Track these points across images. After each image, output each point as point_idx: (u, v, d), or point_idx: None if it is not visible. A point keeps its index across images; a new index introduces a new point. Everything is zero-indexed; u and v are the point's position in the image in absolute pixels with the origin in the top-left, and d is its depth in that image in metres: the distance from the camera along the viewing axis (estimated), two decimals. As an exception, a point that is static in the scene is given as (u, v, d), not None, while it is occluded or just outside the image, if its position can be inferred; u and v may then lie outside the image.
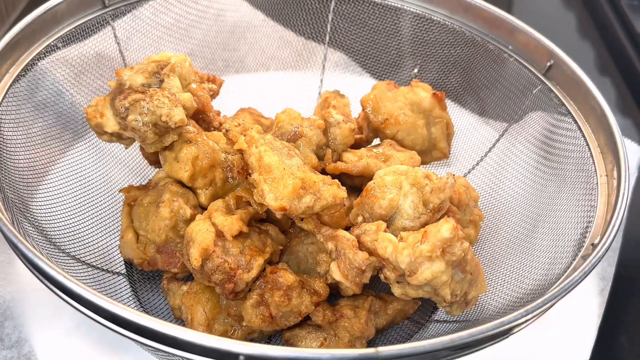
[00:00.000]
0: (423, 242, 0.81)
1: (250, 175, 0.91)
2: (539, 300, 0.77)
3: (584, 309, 1.09)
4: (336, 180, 0.92)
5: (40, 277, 0.76)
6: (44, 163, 1.09)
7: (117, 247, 1.08)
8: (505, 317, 0.74)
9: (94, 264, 1.05)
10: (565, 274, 0.87)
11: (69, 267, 0.98)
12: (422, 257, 0.81)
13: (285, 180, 0.88)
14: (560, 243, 1.01)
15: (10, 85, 1.02)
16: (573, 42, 1.84)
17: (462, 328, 0.99)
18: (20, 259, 0.78)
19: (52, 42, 1.10)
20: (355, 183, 1.08)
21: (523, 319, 0.75)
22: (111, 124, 0.95)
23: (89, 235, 1.08)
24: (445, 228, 0.80)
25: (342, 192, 0.90)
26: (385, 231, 0.89)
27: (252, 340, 1.00)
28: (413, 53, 1.41)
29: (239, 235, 0.92)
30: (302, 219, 0.93)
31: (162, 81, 0.96)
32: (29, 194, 1.02)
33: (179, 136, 0.97)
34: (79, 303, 0.73)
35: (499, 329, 0.73)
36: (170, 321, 1.03)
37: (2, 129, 1.00)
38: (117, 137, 0.99)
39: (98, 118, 0.95)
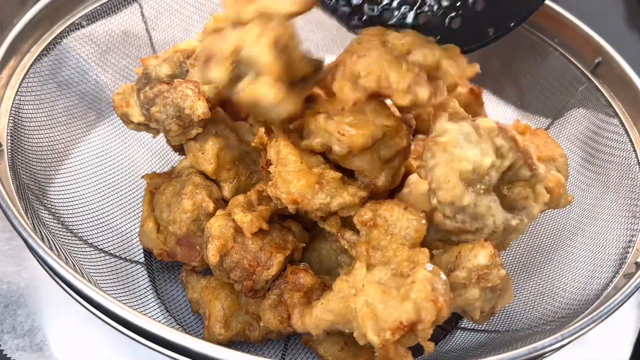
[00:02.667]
0: (457, 267, 0.76)
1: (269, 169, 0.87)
2: (576, 325, 0.72)
3: (619, 324, 1.03)
4: (359, 182, 0.87)
5: (54, 276, 0.74)
6: (65, 144, 1.07)
7: (137, 235, 1.05)
8: (539, 343, 0.69)
9: (112, 252, 1.02)
10: (606, 293, 0.82)
11: (86, 256, 0.96)
12: (455, 284, 0.76)
13: (300, 174, 0.83)
14: (600, 255, 0.96)
15: (32, 65, 0.99)
16: (621, 35, 1.75)
17: (490, 338, 0.96)
18: (32, 254, 0.76)
19: (77, 20, 1.06)
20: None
21: (558, 345, 0.70)
22: (137, 114, 0.93)
23: (108, 222, 1.06)
24: (482, 255, 0.75)
25: (362, 192, 0.85)
26: None
27: (269, 340, 0.97)
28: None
29: (259, 232, 0.88)
30: (324, 219, 0.89)
31: (187, 71, 0.92)
32: (47, 178, 0.99)
33: (203, 128, 0.94)
34: (90, 304, 0.71)
35: (531, 355, 0.69)
36: (188, 314, 1.01)
37: (22, 109, 0.97)
38: (144, 126, 0.97)
39: (124, 107, 0.93)
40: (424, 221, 0.79)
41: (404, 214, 0.80)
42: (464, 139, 0.76)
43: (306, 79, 0.85)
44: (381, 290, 0.71)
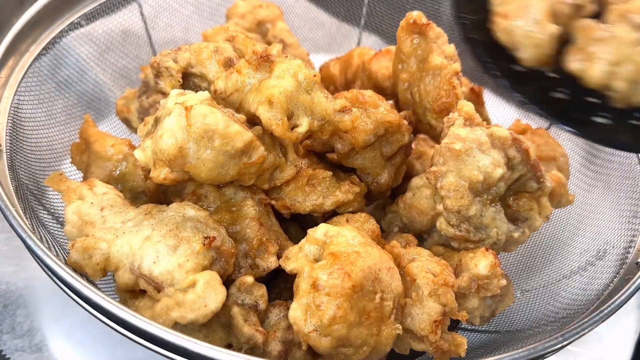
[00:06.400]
0: (458, 276, 0.75)
1: None
2: (577, 325, 0.71)
3: (620, 324, 1.03)
4: (354, 176, 0.87)
5: (52, 276, 0.74)
6: (64, 144, 1.06)
7: (135, 235, 1.05)
8: (540, 343, 0.69)
9: (111, 252, 1.01)
10: (606, 293, 0.82)
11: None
12: (454, 293, 0.76)
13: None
14: (601, 255, 0.95)
15: (31, 64, 0.99)
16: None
17: (491, 339, 0.95)
18: (31, 255, 0.75)
19: (76, 19, 1.06)
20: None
21: (559, 345, 0.70)
22: (136, 120, 0.93)
23: (107, 222, 1.05)
24: (483, 265, 0.75)
25: (356, 187, 0.85)
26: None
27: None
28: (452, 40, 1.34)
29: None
30: (325, 218, 0.88)
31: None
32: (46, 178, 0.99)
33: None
34: (88, 305, 0.70)
35: (532, 355, 0.68)
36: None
37: (21, 109, 0.96)
38: None
39: (125, 113, 0.93)
40: (363, 217, 0.82)
41: (354, 234, 0.75)
42: (477, 148, 0.76)
43: None
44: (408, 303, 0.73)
